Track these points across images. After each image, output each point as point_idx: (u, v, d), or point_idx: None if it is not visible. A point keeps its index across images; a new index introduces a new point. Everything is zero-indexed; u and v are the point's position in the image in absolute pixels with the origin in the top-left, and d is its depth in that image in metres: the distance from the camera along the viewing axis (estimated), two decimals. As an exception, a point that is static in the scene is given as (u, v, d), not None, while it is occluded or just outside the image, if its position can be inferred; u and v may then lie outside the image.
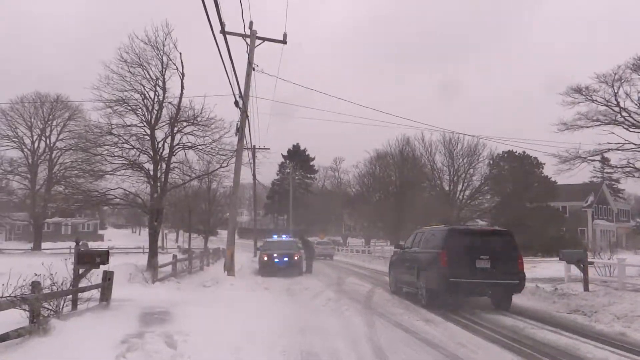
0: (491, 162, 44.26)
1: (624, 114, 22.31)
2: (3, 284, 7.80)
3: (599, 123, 22.69)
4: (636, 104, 22.14)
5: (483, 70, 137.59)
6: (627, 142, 22.43)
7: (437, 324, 9.52)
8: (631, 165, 22.95)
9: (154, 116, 19.87)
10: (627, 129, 22.42)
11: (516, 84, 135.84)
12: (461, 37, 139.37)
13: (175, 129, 20.07)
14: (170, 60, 19.42)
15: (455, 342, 7.77)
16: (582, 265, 13.49)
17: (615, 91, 22.19)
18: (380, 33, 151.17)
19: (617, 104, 22.41)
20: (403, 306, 11.88)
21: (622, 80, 21.85)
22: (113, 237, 69.07)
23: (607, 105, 22.57)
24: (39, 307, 7.04)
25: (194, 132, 20.48)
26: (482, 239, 12.18)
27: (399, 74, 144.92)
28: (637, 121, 22.06)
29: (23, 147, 46.82)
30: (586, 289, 13.02)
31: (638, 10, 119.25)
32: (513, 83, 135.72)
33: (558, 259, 15.88)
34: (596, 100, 22.72)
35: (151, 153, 19.90)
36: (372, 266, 28.92)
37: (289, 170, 71.60)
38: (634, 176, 23.65)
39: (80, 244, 10.76)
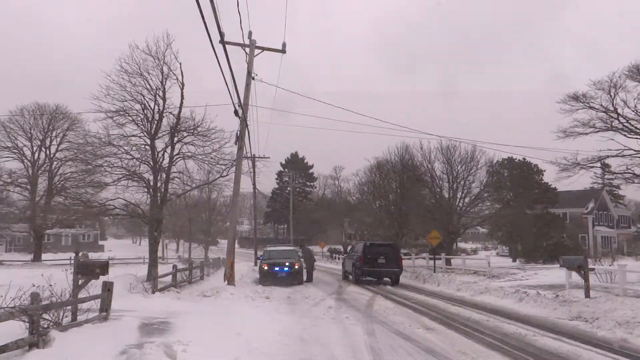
0: (490, 169, 44.14)
1: (622, 120, 22.31)
2: (2, 296, 7.78)
3: (597, 130, 22.70)
4: (633, 111, 22.13)
5: (485, 76, 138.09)
6: (626, 148, 22.39)
7: (438, 327, 9.51)
8: (630, 171, 22.92)
9: (154, 126, 19.93)
10: (625, 136, 22.40)
11: (520, 90, 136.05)
12: (465, 43, 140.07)
13: (175, 139, 20.14)
14: (171, 70, 19.52)
15: (456, 350, 7.74)
16: (582, 272, 13.44)
17: (612, 98, 22.19)
18: (383, 38, 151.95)
19: (615, 111, 22.40)
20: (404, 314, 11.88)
21: (618, 87, 21.85)
22: (113, 248, 68.97)
23: (605, 112, 22.57)
24: (39, 318, 7.02)
25: (194, 141, 20.57)
26: (381, 247, 21.99)
27: (400, 80, 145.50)
28: (636, 127, 22.05)
29: (23, 158, 46.71)
30: (587, 295, 12.96)
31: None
32: (517, 90, 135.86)
33: (559, 265, 15.86)
34: (594, 107, 22.72)
35: (151, 163, 19.94)
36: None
37: (287, 179, 71.58)
38: (633, 182, 23.59)
39: (80, 255, 10.74)
